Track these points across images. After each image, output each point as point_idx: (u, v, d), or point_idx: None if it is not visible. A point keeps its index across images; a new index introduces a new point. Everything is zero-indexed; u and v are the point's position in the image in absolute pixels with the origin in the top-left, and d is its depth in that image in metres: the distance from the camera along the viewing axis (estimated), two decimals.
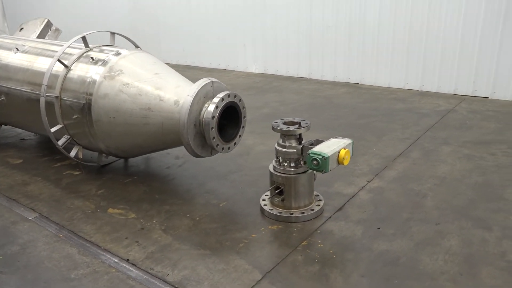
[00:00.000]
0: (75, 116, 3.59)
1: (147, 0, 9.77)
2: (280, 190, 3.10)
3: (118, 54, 3.66)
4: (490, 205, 3.21)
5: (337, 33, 7.39)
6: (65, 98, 3.64)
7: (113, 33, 4.10)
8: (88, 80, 3.54)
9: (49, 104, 3.72)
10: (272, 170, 3.16)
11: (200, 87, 3.25)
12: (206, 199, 3.46)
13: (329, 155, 2.74)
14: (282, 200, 3.12)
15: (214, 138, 3.22)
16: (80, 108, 3.55)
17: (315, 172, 3.08)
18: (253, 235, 2.92)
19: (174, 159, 4.24)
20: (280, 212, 3.12)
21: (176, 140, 3.43)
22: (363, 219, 3.07)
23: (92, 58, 3.66)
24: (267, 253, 2.72)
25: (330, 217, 3.11)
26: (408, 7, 6.57)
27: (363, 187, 3.54)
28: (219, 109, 3.19)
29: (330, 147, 2.84)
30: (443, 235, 2.84)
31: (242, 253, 2.72)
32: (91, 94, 3.49)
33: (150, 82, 3.44)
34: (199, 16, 9.03)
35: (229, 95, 3.27)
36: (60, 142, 3.77)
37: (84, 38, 3.84)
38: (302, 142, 3.03)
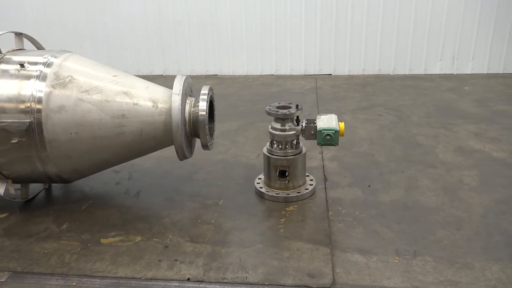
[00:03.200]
0: (14, 141, 2.80)
1: None
2: (285, 172, 3.21)
3: (55, 56, 3.00)
4: (418, 150, 4.06)
5: (190, 28, 7.47)
6: None
7: (19, 34, 3.27)
8: (28, 92, 2.81)
9: None
10: (270, 155, 3.24)
11: (182, 84, 3.02)
12: (198, 202, 3.25)
13: (338, 129, 3.02)
14: (287, 181, 3.24)
15: (207, 135, 3.07)
16: (23, 130, 2.79)
17: None
18: (282, 220, 2.97)
19: (114, 174, 3.73)
20: (278, 193, 3.25)
21: (155, 146, 3.13)
22: (351, 182, 3.47)
23: (21, 64, 2.89)
24: (311, 230, 2.83)
25: (325, 188, 3.40)
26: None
27: (322, 159, 3.93)
28: (207, 104, 3.06)
29: (330, 122, 3.12)
30: (415, 179, 3.50)
31: (290, 236, 2.77)
32: (39, 110, 2.79)
33: (114, 86, 2.98)
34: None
35: (211, 89, 3.15)
36: None
37: None
38: (300, 123, 3.20)
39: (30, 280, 2.45)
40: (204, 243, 2.72)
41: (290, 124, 3.18)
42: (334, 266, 2.47)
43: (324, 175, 3.59)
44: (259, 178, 3.48)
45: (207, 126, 3.03)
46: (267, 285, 2.35)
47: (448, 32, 7.01)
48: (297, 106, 3.19)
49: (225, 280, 2.39)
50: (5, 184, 3.04)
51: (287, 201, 3.20)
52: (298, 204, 3.17)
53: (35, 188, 3.44)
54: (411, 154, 3.97)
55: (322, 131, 3.00)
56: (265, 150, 3.32)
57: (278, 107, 3.22)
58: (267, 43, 7.42)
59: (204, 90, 3.08)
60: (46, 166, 2.92)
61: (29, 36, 3.35)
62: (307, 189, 3.28)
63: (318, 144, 3.07)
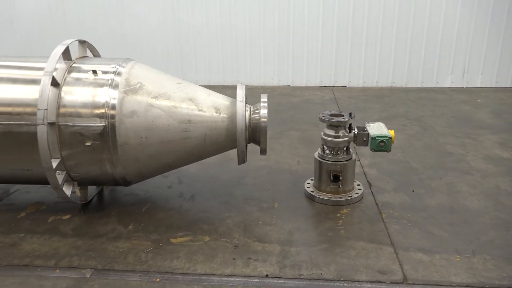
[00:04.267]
0: (88, 144, 2.91)
1: None
2: (337, 177, 3.38)
3: (122, 64, 3.14)
4: (450, 158, 4.27)
5: (209, 38, 7.65)
6: (68, 124, 2.90)
7: (83, 42, 3.40)
8: (102, 98, 2.93)
9: (33, 135, 2.90)
10: (322, 160, 3.40)
11: (244, 92, 3.19)
12: (254, 205, 3.39)
13: (391, 135, 3.21)
14: (339, 186, 3.40)
15: (265, 140, 3.22)
16: (97, 133, 2.91)
17: None
18: (339, 222, 3.13)
19: (163, 178, 3.85)
20: (330, 197, 3.41)
21: (215, 151, 3.27)
22: (395, 187, 3.65)
23: (93, 71, 3.02)
24: (369, 231, 2.99)
25: (372, 192, 3.57)
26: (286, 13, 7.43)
27: (361, 165, 4.10)
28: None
29: (381, 129, 3.30)
30: (454, 185, 3.69)
31: (352, 237, 2.92)
32: (113, 115, 2.91)
33: (179, 93, 3.13)
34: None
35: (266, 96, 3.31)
36: (60, 181, 2.98)
37: (67, 49, 3.10)
38: (352, 130, 3.38)
39: (113, 276, 2.55)
40: (271, 243, 2.86)
41: (343, 131, 3.35)
42: (401, 263, 2.63)
43: (368, 181, 3.76)
44: (307, 183, 3.64)
45: (266, 132, 3.18)
46: (343, 280, 2.50)
47: (459, 47, 7.31)
48: (350, 114, 3.37)
49: (302, 276, 2.53)
50: (71, 186, 3.14)
51: (338, 204, 3.36)
52: (350, 207, 3.33)
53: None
54: (444, 162, 4.18)
55: (376, 138, 3.18)
56: (316, 155, 3.49)
57: (331, 115, 3.40)
58: (284, 54, 7.63)
59: (264, 98, 3.24)
60: (115, 168, 3.03)
61: (90, 44, 3.48)
62: (357, 193, 3.45)
63: (371, 150, 3.24)
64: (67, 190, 3.10)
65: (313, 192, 3.48)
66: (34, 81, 2.99)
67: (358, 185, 3.58)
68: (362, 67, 7.58)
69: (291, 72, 7.71)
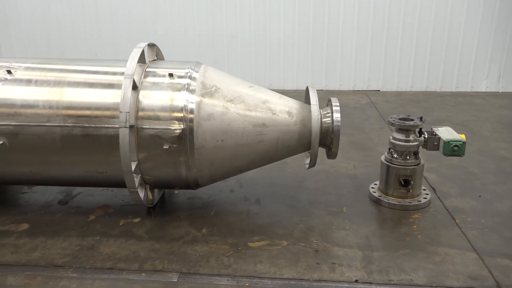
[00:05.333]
0: (166, 147, 2.91)
1: None
2: (408, 181, 3.35)
3: (194, 68, 3.14)
4: (507, 163, 4.23)
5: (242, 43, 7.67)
6: (146, 127, 2.90)
7: (152, 45, 3.41)
8: (180, 101, 2.93)
9: (111, 137, 2.91)
10: (390, 164, 3.38)
11: (317, 95, 3.18)
12: (322, 209, 3.36)
13: (464, 140, 3.18)
14: (408, 190, 3.37)
15: (338, 144, 3.20)
16: (175, 136, 2.90)
17: None
18: (414, 226, 3.10)
19: (223, 182, 3.83)
20: (400, 202, 3.38)
21: (285, 154, 3.26)
22: (460, 192, 3.62)
23: (170, 74, 3.02)
24: (447, 236, 2.96)
25: (439, 197, 3.54)
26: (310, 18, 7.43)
27: None
28: None
29: (453, 134, 3.27)
30: None
31: (431, 242, 2.89)
32: (191, 118, 2.91)
33: (253, 96, 3.12)
34: None
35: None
36: (136, 183, 2.98)
37: (142, 52, 3.11)
38: (422, 134, 3.35)
39: (201, 280, 2.54)
40: (351, 248, 2.84)
41: (413, 135, 3.33)
42: (490, 270, 2.59)
43: (430, 186, 3.73)
44: (372, 187, 3.61)
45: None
46: (435, 286, 2.46)
47: (495, 52, 7.27)
48: (421, 118, 3.34)
49: (392, 282, 2.50)
50: (143, 189, 3.14)
51: (407, 209, 3.33)
52: (420, 212, 3.30)
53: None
54: (503, 167, 4.14)
55: (450, 142, 3.15)
56: (383, 159, 3.47)
57: (400, 119, 3.37)
58: (317, 58, 7.63)
59: (335, 102, 3.23)
60: (190, 172, 3.03)
61: (158, 47, 3.48)
62: (425, 198, 3.42)
63: (444, 154, 3.21)
64: (140, 193, 3.10)
65: (380, 196, 3.46)
66: (111, 86, 3.00)
67: (424, 189, 3.55)
68: (396, 72, 7.56)
69: (324, 76, 7.70)
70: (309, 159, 3.44)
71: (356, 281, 2.52)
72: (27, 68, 3.09)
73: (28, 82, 3.02)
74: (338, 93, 7.44)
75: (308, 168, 3.31)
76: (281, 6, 7.42)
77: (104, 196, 3.63)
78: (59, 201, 3.55)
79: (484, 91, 7.46)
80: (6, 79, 3.03)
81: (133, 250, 2.84)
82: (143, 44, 3.16)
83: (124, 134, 2.81)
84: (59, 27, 7.88)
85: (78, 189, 3.75)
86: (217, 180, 3.29)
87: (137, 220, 3.23)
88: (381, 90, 7.64)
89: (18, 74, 3.06)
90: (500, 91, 7.42)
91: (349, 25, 7.41)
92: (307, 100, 3.41)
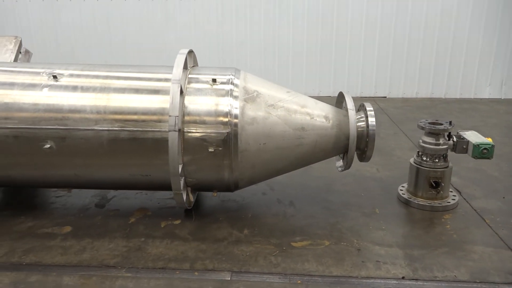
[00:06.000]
0: (211, 150, 3.00)
1: None
2: (438, 183, 3.48)
3: (233, 73, 3.24)
4: None
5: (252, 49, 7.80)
6: (192, 130, 2.99)
7: (190, 51, 3.49)
8: (225, 106, 3.03)
9: (157, 141, 2.99)
10: (420, 166, 3.51)
11: (352, 101, 3.31)
12: (355, 210, 3.47)
13: (493, 143, 3.33)
14: (438, 192, 3.50)
15: (373, 148, 3.32)
16: (221, 140, 2.99)
17: None
18: (447, 226, 3.23)
19: (254, 186, 3.91)
20: (430, 203, 3.51)
21: (321, 157, 3.37)
22: (484, 194, 3.76)
23: (213, 80, 3.12)
24: (480, 235, 3.10)
25: (465, 199, 3.67)
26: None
27: None
28: None
29: (480, 137, 3.43)
30: None
31: (466, 241, 3.02)
32: (235, 122, 3.00)
33: (291, 101, 3.23)
34: None
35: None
36: (182, 186, 3.06)
37: (186, 58, 3.20)
38: (451, 138, 3.50)
39: (253, 278, 2.62)
40: (391, 246, 2.95)
41: (443, 139, 3.47)
42: None
43: (456, 188, 3.87)
44: (401, 190, 3.73)
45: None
46: (479, 282, 2.58)
47: (497, 59, 7.51)
48: (450, 122, 3.49)
49: (437, 278, 2.62)
50: (185, 192, 3.22)
51: (437, 210, 3.46)
52: (450, 213, 3.43)
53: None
54: None
55: (480, 145, 3.30)
56: (412, 162, 3.60)
57: (430, 123, 3.51)
58: (325, 65, 7.79)
59: (369, 107, 3.36)
60: (232, 174, 3.12)
61: (194, 54, 3.58)
62: (453, 199, 3.55)
63: (473, 157, 3.36)
64: (184, 195, 3.17)
65: (409, 198, 3.58)
66: (157, 91, 3.09)
67: (451, 191, 3.68)
68: (402, 79, 7.75)
69: (332, 83, 7.86)
70: (340, 162, 3.57)
71: (403, 278, 2.62)
72: (71, 75, 3.16)
73: (74, 88, 3.09)
74: None
75: (343, 171, 3.42)
76: (290, 14, 7.57)
77: (139, 199, 3.69)
78: (95, 204, 3.61)
79: (487, 97, 7.68)
80: (52, 85, 3.09)
81: (181, 251, 2.91)
82: (185, 51, 3.26)
83: (174, 138, 2.90)
84: (69, 34, 7.92)
85: (112, 192, 3.81)
86: (255, 182, 3.38)
87: (177, 222, 3.30)
88: (387, 97, 7.82)
89: (64, 80, 3.13)
90: (502, 98, 7.66)
91: (356, 33, 7.59)
92: (337, 105, 3.54)
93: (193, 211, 3.43)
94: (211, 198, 3.71)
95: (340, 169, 3.53)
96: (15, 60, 3.68)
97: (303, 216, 3.40)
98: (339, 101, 3.62)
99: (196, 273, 2.68)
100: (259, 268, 2.72)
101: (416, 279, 2.61)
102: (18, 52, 3.73)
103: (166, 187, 3.25)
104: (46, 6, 7.76)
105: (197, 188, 3.31)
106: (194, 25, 7.75)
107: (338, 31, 7.61)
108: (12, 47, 3.69)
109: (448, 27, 7.43)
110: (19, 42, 3.74)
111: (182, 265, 2.76)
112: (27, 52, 3.87)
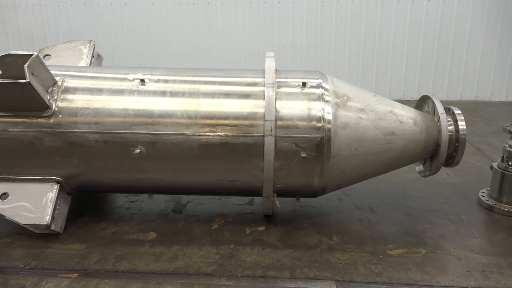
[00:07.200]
0: (303, 155, 2.94)
1: None
2: None
3: (319, 77, 3.18)
4: None
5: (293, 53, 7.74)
6: (285, 135, 2.93)
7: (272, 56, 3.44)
8: (318, 111, 2.96)
9: (249, 146, 2.94)
10: (506, 171, 3.43)
11: (441, 104, 3.24)
12: (441, 217, 3.39)
13: None
14: None
15: (462, 153, 3.24)
16: (314, 145, 2.93)
17: None
18: None
19: None
20: None
21: (408, 162, 3.30)
22: None
23: (303, 84, 3.07)
24: None
25: None
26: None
27: None
28: None
29: None
30: None
31: None
32: (329, 127, 2.94)
33: (380, 105, 3.16)
34: None
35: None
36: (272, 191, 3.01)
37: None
38: None
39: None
40: (491, 255, 2.86)
41: None
42: None
43: None
44: (482, 195, 3.64)
45: None
46: None
47: None
48: None
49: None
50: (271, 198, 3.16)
51: None
52: None
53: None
54: None
55: None
56: (495, 166, 3.51)
57: None
58: (367, 68, 7.71)
59: (458, 111, 3.27)
60: (322, 180, 3.05)
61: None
62: None
63: None
64: (267, 202, 3.12)
65: (494, 204, 3.48)
66: (247, 96, 3.03)
67: None
68: (446, 81, 7.64)
69: (374, 86, 7.77)
70: (421, 167, 3.49)
71: None
72: (158, 80, 3.13)
73: (163, 93, 3.05)
74: None
75: (427, 176, 3.35)
76: (333, 17, 7.51)
77: (215, 205, 3.64)
78: (172, 209, 3.57)
79: None
80: (140, 90, 3.06)
81: (275, 258, 2.85)
82: (273, 54, 3.21)
83: (270, 143, 2.85)
84: (109, 38, 7.94)
85: (185, 197, 3.77)
86: (340, 187, 3.31)
87: (261, 228, 3.25)
88: None
89: (151, 85, 3.09)
90: None
91: (400, 35, 7.50)
92: (418, 109, 3.47)
93: (279, 218, 3.37)
94: (286, 204, 3.64)
95: (422, 174, 3.45)
96: (90, 64, 3.67)
97: (388, 222, 3.33)
98: (419, 104, 3.54)
99: (299, 282, 2.61)
100: (362, 277, 2.65)
101: None
102: (92, 56, 3.71)
103: (252, 192, 3.21)
104: (87, 10, 7.79)
105: (282, 193, 3.24)
106: (234, 29, 7.72)
107: (381, 34, 7.53)
108: (87, 51, 3.67)
109: (494, 29, 7.30)
110: (93, 46, 3.72)
111: (282, 273, 2.69)
112: (98, 56, 3.85)
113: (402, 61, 7.62)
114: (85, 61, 3.62)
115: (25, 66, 2.75)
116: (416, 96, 7.74)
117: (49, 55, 3.65)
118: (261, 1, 7.51)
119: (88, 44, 3.71)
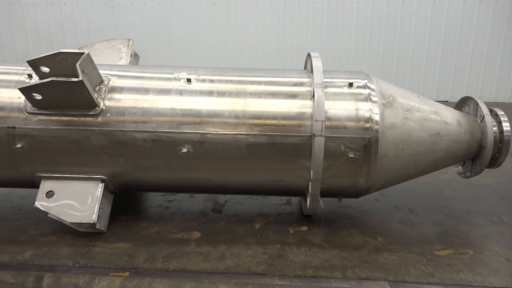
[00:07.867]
0: (351, 155, 2.94)
1: None
2: None
3: (364, 77, 3.18)
4: None
5: None
6: (333, 135, 2.93)
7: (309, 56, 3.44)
8: (365, 111, 2.97)
9: (296, 146, 2.95)
10: None
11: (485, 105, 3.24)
12: (481, 218, 3.40)
13: None
14: None
15: (506, 154, 3.24)
16: (361, 145, 2.94)
17: None
18: None
19: None
20: None
21: (450, 163, 3.30)
22: None
23: (350, 84, 3.07)
24: None
25: None
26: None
27: None
28: None
29: None
30: None
31: None
32: (376, 127, 2.94)
33: (424, 105, 3.16)
34: None
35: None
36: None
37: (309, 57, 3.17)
38: None
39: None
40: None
41: None
42: None
43: None
44: None
45: None
46: None
47: None
48: None
49: None
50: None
51: None
52: None
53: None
54: None
55: None
56: None
57: None
58: (402, 68, 7.71)
59: (501, 111, 3.27)
60: (367, 180, 3.05)
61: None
62: None
63: None
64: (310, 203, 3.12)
65: None
66: (294, 96, 3.03)
67: None
68: (465, 82, 7.66)
69: (407, 87, 7.77)
70: (460, 168, 3.50)
71: None
72: (203, 80, 3.12)
73: (210, 92, 3.05)
74: None
75: (469, 177, 3.35)
76: (353, 19, 7.51)
77: (253, 204, 3.65)
78: (211, 209, 3.57)
79: None
80: (187, 90, 3.06)
81: (324, 259, 2.85)
82: (317, 54, 3.22)
83: (320, 143, 2.85)
84: (129, 37, 7.93)
85: (222, 197, 3.77)
86: (383, 188, 3.31)
87: (304, 228, 3.25)
88: (449, 101, 7.71)
89: (197, 85, 3.09)
90: None
91: (436, 37, 7.50)
92: (458, 110, 3.47)
93: (321, 218, 3.37)
94: (324, 204, 3.65)
95: (463, 175, 3.46)
96: (128, 63, 3.67)
97: (430, 223, 3.33)
98: (459, 105, 3.55)
99: (352, 282, 2.62)
100: (414, 277, 2.65)
101: None
102: (130, 55, 3.71)
103: (296, 192, 3.22)
104: (107, 9, 7.79)
105: (326, 193, 3.24)
106: (254, 29, 7.73)
107: (401, 36, 7.53)
108: (126, 50, 3.68)
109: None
110: (131, 45, 3.73)
111: (333, 273, 2.70)
112: (136, 54, 3.85)
113: (421, 62, 7.62)
114: (124, 59, 3.62)
115: (77, 64, 2.76)
116: (435, 98, 7.74)
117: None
118: (282, 1, 7.51)
119: (127, 43, 3.72)
